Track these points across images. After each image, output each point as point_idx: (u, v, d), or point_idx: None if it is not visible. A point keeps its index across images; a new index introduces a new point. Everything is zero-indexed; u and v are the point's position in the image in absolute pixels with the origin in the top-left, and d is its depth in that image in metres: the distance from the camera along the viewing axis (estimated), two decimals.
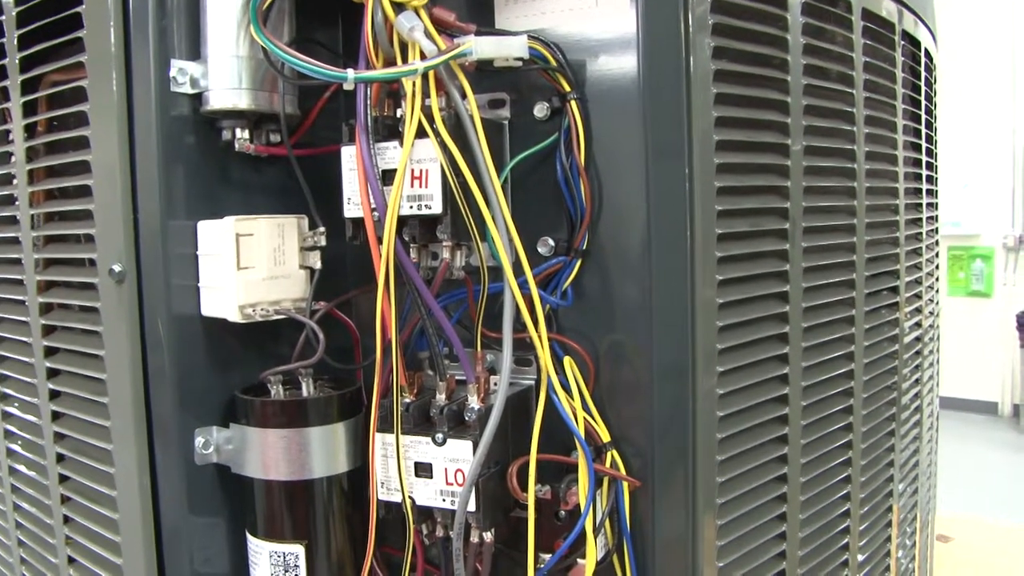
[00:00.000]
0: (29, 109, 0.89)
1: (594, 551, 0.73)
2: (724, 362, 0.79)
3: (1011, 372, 5.37)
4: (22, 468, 0.99)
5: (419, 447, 0.75)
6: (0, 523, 1.06)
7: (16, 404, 0.99)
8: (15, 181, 0.91)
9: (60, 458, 0.91)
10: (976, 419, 5.32)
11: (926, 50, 1.22)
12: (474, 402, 0.75)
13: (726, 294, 0.79)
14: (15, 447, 1.00)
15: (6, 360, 1.00)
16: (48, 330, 0.90)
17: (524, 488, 0.76)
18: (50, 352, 0.90)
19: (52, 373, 0.90)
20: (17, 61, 0.88)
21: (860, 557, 1.04)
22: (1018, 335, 5.10)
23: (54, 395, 0.90)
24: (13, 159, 0.91)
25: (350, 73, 0.68)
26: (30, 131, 0.89)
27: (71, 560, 0.92)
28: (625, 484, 0.77)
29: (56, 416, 0.91)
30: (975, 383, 5.32)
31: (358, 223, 0.76)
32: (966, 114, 4.99)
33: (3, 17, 0.89)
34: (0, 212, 0.97)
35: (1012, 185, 5.35)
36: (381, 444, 0.76)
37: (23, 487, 0.99)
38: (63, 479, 0.91)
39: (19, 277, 0.92)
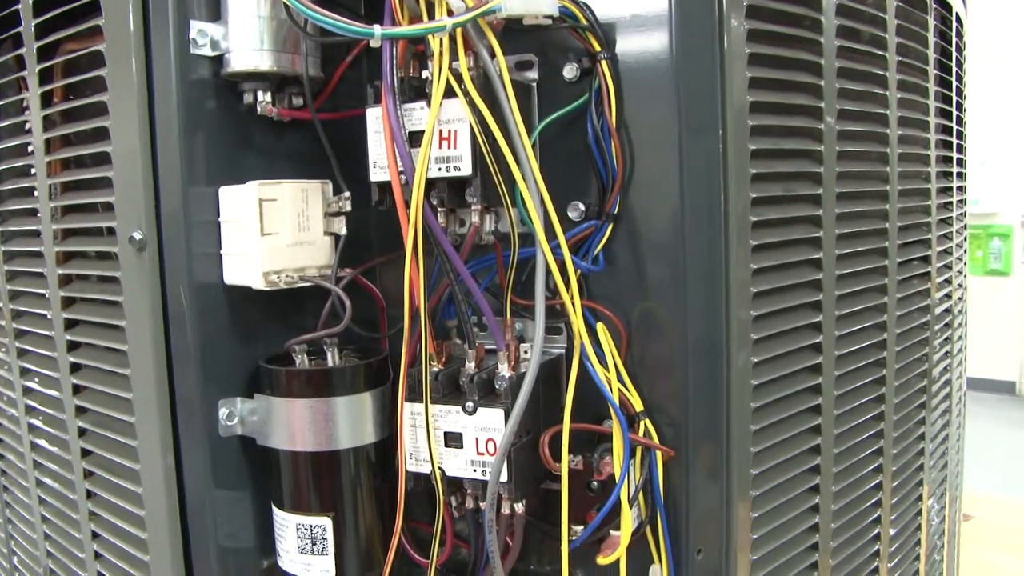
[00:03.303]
0: (45, 77, 0.87)
1: (629, 522, 0.72)
2: (758, 330, 0.77)
3: None
4: (44, 443, 0.98)
5: (449, 416, 0.73)
6: (23, 499, 1.05)
7: (37, 379, 0.97)
8: (32, 151, 0.90)
9: (82, 432, 0.90)
10: (994, 399, 5.30)
11: (957, 15, 1.20)
12: (505, 370, 0.73)
13: (760, 260, 0.77)
14: (37, 422, 0.99)
15: (26, 334, 0.98)
16: (68, 302, 0.89)
17: (556, 458, 0.74)
18: (70, 325, 0.89)
19: (73, 346, 0.89)
20: (32, 28, 0.86)
21: (891, 531, 1.02)
22: None
23: (75, 368, 0.89)
24: (30, 128, 0.89)
25: (377, 29, 0.66)
26: (46, 99, 0.87)
27: (95, 535, 0.91)
28: (659, 454, 0.75)
29: (77, 389, 0.89)
30: (993, 363, 5.29)
31: (384, 187, 0.74)
32: (984, 91, 4.93)
33: None
34: (17, 183, 0.95)
35: None
36: (409, 414, 0.75)
37: (46, 462, 0.98)
38: (85, 453, 0.90)
39: (38, 248, 0.91)
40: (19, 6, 0.88)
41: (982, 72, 4.89)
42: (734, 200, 0.74)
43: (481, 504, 0.74)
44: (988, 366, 5.28)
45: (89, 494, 0.91)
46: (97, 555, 0.92)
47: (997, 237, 5.49)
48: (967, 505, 1.90)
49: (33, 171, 0.90)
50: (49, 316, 0.91)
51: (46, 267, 0.90)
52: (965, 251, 1.33)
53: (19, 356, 1.00)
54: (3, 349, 1.03)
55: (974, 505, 2.06)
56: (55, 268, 0.88)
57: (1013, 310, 5.33)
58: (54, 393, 0.93)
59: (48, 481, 0.98)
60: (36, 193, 0.90)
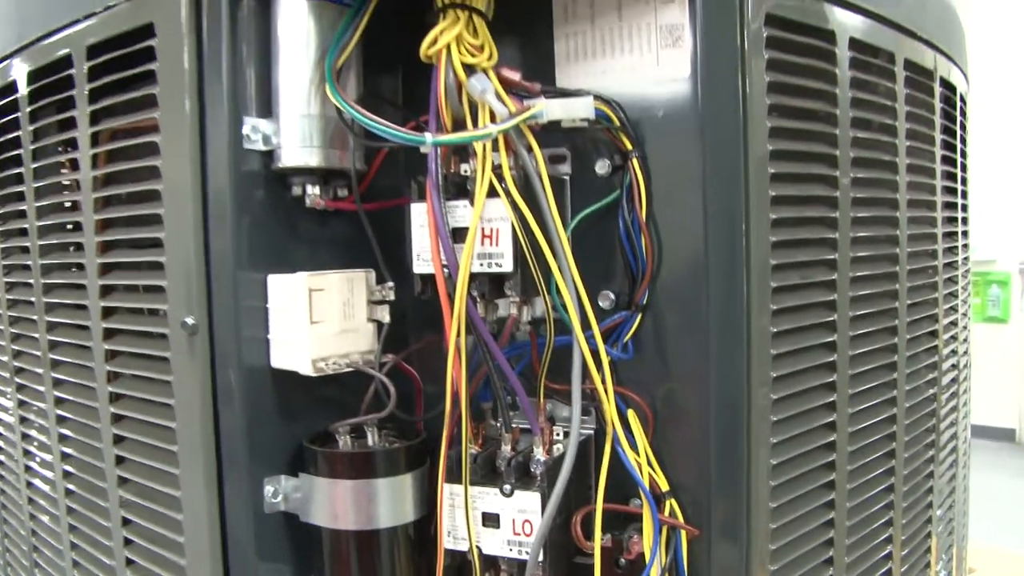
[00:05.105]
0: (96, 159, 0.91)
1: None
2: (777, 411, 0.81)
3: None
4: (79, 507, 1.01)
5: (487, 498, 0.77)
6: (59, 562, 1.07)
7: (76, 446, 1.00)
8: (83, 229, 0.93)
9: (123, 502, 0.93)
10: (993, 446, 5.31)
11: (961, 95, 1.25)
12: (539, 453, 0.77)
13: (779, 345, 0.80)
14: (73, 487, 1.01)
15: (66, 403, 1.02)
16: (113, 376, 0.92)
17: (587, 537, 0.77)
18: (115, 398, 0.92)
19: (116, 418, 0.92)
20: (88, 112, 0.90)
21: None
22: None
23: (119, 440, 0.92)
24: (81, 210, 0.93)
25: (428, 137, 0.70)
26: (97, 181, 0.91)
27: None
28: (683, 533, 0.79)
29: (120, 460, 0.92)
30: (992, 410, 5.30)
31: (426, 279, 0.78)
32: (981, 140, 5.00)
33: (73, 71, 0.91)
34: (67, 259, 0.99)
35: None
36: (449, 494, 0.78)
37: (83, 527, 1.01)
38: (126, 522, 0.93)
39: (85, 323, 0.94)
40: (74, 91, 0.92)
41: (979, 122, 4.97)
42: (756, 295, 0.77)
43: None
44: (987, 413, 5.28)
45: (128, 561, 0.93)
46: None
47: (995, 284, 5.53)
48: (969, 557, 1.92)
49: (84, 248, 0.94)
50: (94, 387, 0.94)
51: (93, 341, 0.93)
52: (969, 307, 1.37)
53: (58, 423, 1.03)
54: (45, 418, 1.06)
55: (974, 557, 2.07)
56: (101, 344, 0.92)
57: (1012, 357, 5.35)
58: (95, 462, 0.96)
59: (86, 547, 1.01)
60: (86, 269, 0.94)
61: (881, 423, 0.96)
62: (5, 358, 1.15)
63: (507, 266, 0.74)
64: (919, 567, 1.11)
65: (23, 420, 1.13)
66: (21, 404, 1.13)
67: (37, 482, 1.11)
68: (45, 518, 1.10)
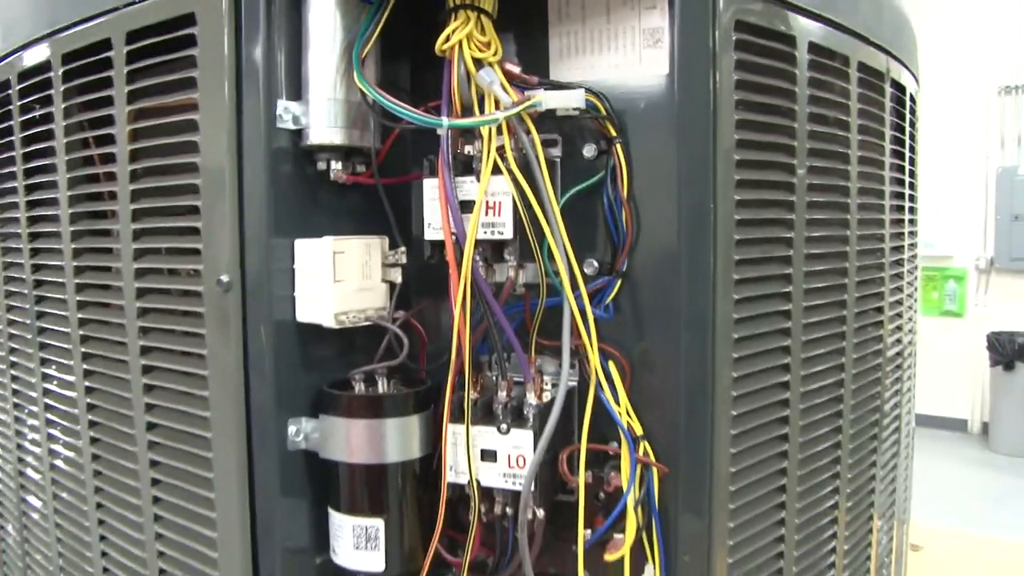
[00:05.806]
0: (130, 135, 1.01)
1: (634, 524, 0.86)
2: (737, 368, 0.92)
3: (981, 391, 5.56)
4: (104, 453, 1.10)
5: (485, 436, 0.88)
6: (83, 507, 1.16)
7: (102, 397, 1.10)
8: (118, 198, 1.03)
9: (151, 445, 1.03)
10: (946, 436, 5.50)
11: (911, 95, 1.37)
12: (532, 399, 0.89)
13: (740, 311, 0.92)
14: (99, 436, 1.11)
15: (93, 357, 1.11)
16: (143, 332, 1.02)
17: (572, 472, 0.89)
18: (145, 351, 1.02)
19: (147, 370, 1.02)
20: (125, 93, 1.00)
21: (846, 546, 1.17)
22: (988, 355, 5.28)
23: (148, 388, 1.02)
24: (116, 181, 1.02)
25: (445, 120, 0.81)
26: (135, 155, 1.01)
27: (159, 536, 1.04)
28: (655, 471, 0.90)
29: (150, 408, 1.02)
30: (946, 401, 5.50)
31: (435, 244, 0.89)
32: (940, 140, 5.18)
33: (112, 53, 1.01)
34: (105, 224, 1.09)
35: (984, 209, 5.56)
36: (452, 433, 0.89)
37: (107, 472, 1.10)
38: (154, 464, 1.03)
39: (118, 284, 1.04)
40: (112, 72, 1.01)
41: (937, 122, 5.14)
42: (722, 261, 0.89)
43: (508, 510, 0.89)
44: (941, 404, 5.48)
45: (155, 499, 1.03)
46: (162, 554, 1.04)
47: (952, 280, 5.73)
48: (918, 536, 2.04)
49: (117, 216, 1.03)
50: (125, 342, 1.04)
51: (125, 300, 1.03)
52: (915, 299, 1.50)
53: (85, 377, 1.13)
54: (72, 374, 1.15)
55: (925, 537, 2.19)
56: (134, 302, 1.02)
57: (966, 350, 5.53)
58: (125, 411, 1.06)
59: (109, 488, 1.10)
60: (117, 235, 1.03)
61: (830, 400, 1.08)
62: (28, 320, 1.24)
63: (508, 233, 0.85)
64: (862, 519, 1.23)
65: (45, 376, 1.22)
66: (44, 362, 1.22)
67: (56, 432, 1.20)
68: (65, 465, 1.19)
